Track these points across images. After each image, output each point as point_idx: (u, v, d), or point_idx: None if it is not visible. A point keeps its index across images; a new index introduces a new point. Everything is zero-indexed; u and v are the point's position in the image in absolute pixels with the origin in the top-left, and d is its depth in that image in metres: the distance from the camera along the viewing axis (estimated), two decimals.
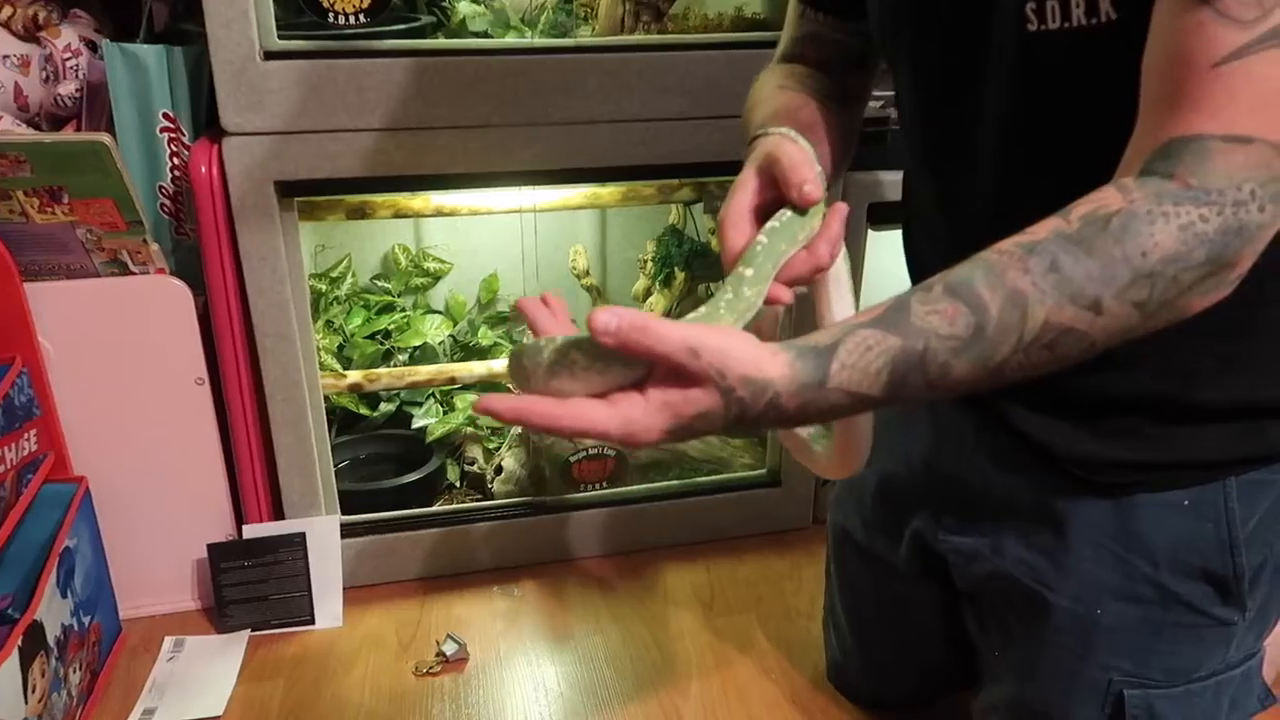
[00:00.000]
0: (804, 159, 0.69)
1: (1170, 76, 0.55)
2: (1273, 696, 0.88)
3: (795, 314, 1.18)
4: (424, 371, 1.40)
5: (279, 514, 1.25)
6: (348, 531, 1.29)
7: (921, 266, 0.90)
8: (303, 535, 1.22)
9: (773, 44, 0.92)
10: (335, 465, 1.29)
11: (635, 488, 1.40)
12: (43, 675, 0.97)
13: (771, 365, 0.54)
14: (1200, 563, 0.77)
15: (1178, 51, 0.54)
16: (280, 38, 1.04)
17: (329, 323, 1.48)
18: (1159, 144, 0.55)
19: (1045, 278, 0.54)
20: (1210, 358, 0.72)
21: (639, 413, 0.53)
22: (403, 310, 1.56)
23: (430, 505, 1.39)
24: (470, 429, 1.49)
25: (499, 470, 1.42)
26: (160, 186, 1.15)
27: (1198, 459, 0.75)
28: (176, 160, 1.14)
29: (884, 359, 0.55)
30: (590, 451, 1.36)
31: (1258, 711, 0.86)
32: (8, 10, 1.11)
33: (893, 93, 0.88)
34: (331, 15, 1.03)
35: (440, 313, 1.58)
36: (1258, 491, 0.76)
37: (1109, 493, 0.78)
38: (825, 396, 0.55)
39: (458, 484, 1.46)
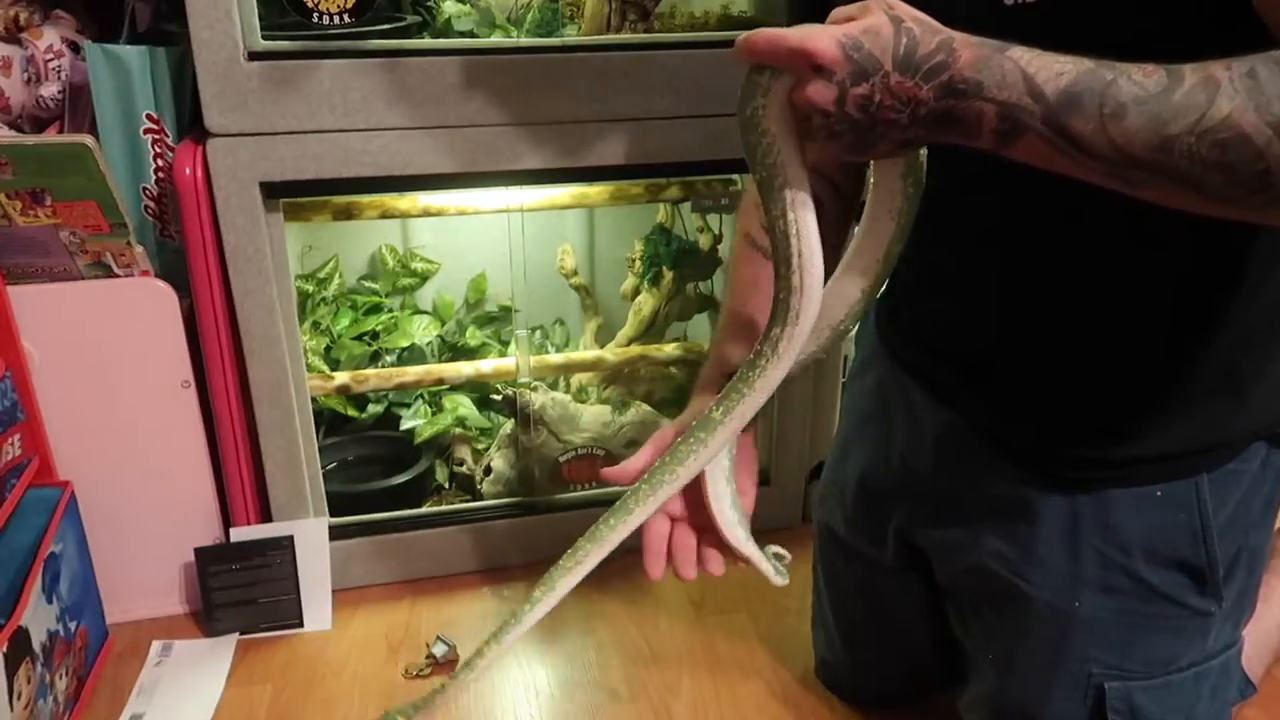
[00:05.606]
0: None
1: None
2: (1252, 686, 0.89)
3: None
4: (412, 372, 1.39)
5: (266, 517, 1.24)
6: (336, 534, 1.28)
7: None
8: (291, 538, 1.21)
9: None
10: (323, 467, 1.28)
11: (625, 487, 1.40)
12: (29, 682, 0.96)
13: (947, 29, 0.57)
14: (1173, 553, 0.77)
15: None
16: (264, 38, 1.04)
17: (316, 324, 1.48)
18: None
19: (1242, 80, 0.54)
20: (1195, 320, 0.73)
21: (816, 26, 0.58)
22: (390, 311, 1.55)
23: (419, 507, 1.39)
24: (459, 430, 1.48)
25: (488, 471, 1.41)
26: (144, 188, 1.14)
27: (1168, 451, 0.76)
28: (160, 162, 1.13)
29: (1072, 66, 0.55)
30: (580, 452, 1.36)
31: (1238, 701, 0.87)
32: None
33: None
34: (316, 15, 1.03)
35: (428, 313, 1.58)
36: (1229, 482, 0.77)
37: (1082, 487, 0.78)
38: (1001, 64, 0.56)
39: (446, 485, 1.45)
